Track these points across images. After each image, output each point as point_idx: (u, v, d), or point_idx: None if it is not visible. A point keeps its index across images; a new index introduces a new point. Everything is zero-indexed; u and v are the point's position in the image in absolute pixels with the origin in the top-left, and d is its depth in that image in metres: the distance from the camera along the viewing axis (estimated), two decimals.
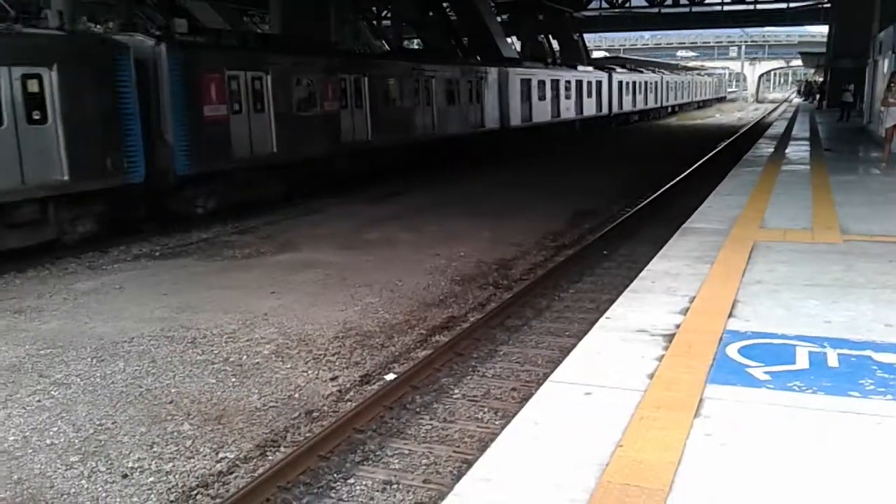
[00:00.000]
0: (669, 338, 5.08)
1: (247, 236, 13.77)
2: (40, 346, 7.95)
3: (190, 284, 10.41)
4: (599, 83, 41.64)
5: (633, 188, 18.33)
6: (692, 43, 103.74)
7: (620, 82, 45.53)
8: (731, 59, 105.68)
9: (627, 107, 47.49)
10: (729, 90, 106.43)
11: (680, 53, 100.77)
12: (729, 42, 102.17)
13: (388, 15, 42.25)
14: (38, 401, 6.64)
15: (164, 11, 32.12)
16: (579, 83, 38.28)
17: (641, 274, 6.87)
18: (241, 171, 15.86)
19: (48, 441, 5.94)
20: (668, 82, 59.13)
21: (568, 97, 36.52)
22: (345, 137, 19.41)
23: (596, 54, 61.01)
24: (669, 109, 60.10)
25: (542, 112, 33.12)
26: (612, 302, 6.22)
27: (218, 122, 15.18)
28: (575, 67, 39.11)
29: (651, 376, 4.45)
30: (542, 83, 33.24)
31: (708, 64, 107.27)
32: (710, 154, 25.82)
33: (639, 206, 15.51)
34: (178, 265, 11.64)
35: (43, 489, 5.31)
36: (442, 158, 24.05)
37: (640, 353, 4.84)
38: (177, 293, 9.91)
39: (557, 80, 35.25)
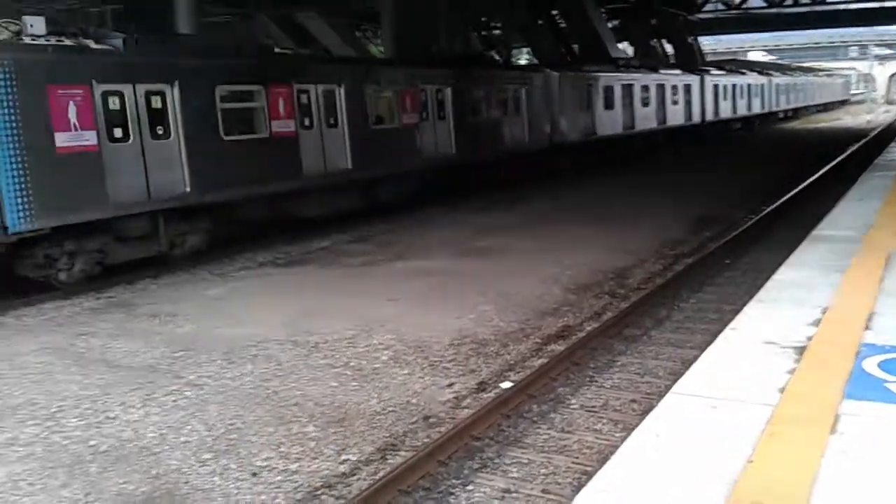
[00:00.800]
0: (801, 350, 4.87)
1: (364, 245, 14.13)
2: (175, 349, 8.41)
3: (311, 291, 10.77)
4: (688, 87, 36.10)
5: (756, 194, 17.65)
6: (815, 44, 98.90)
7: (716, 86, 39.82)
8: (858, 59, 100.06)
9: (726, 113, 41.15)
10: (855, 92, 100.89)
11: (801, 54, 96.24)
12: (855, 42, 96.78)
13: (498, 24, 42.50)
14: (174, 400, 7.02)
15: (281, 28, 33.48)
16: (661, 87, 32.63)
17: (768, 283, 6.62)
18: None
19: (183, 439, 6.27)
20: (777, 85, 53.07)
21: (646, 104, 31.03)
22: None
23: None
24: (781, 115, 54.70)
25: (609, 123, 27.60)
26: (736, 312, 6.02)
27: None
28: (655, 70, 33.87)
29: (782, 390, 4.28)
30: (608, 89, 27.88)
31: (832, 65, 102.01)
32: (838, 159, 24.54)
33: (763, 213, 14.91)
34: (300, 273, 12.07)
35: (179, 484, 5.60)
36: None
37: (770, 365, 4.67)
38: (299, 300, 10.28)
39: (631, 85, 29.78)
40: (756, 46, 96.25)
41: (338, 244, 14.28)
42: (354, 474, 5.69)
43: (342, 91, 15.76)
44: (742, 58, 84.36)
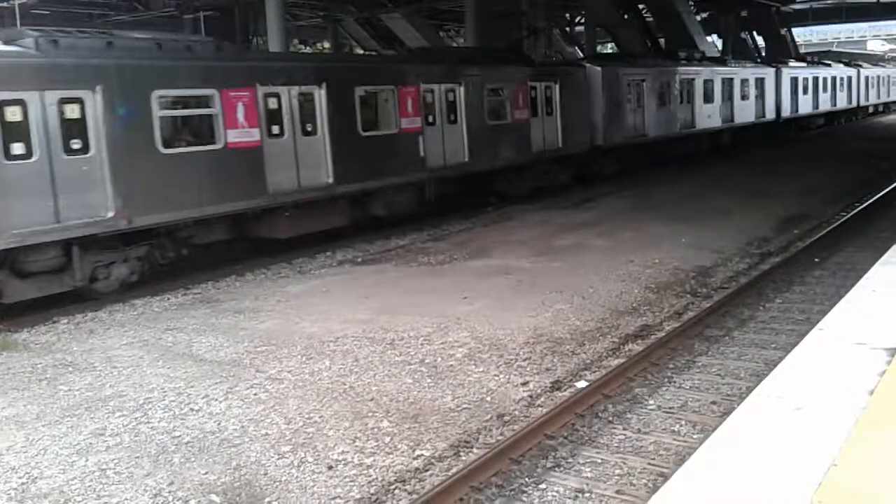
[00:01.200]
0: (893, 352, 4.62)
1: (441, 243, 14.19)
2: (257, 344, 8.62)
3: (388, 289, 10.88)
4: (761, 81, 32.82)
5: (848, 191, 16.89)
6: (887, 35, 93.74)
7: (794, 79, 36.29)
8: None
9: (805, 109, 37.85)
10: None
11: (874, 46, 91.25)
12: None
13: (581, 21, 42.01)
14: (255, 394, 7.19)
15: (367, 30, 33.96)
16: (728, 81, 29.61)
17: (860, 282, 6.31)
18: None
19: (263, 431, 6.41)
20: (867, 77, 48.50)
21: (709, 100, 28.15)
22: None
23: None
24: (871, 109, 50.50)
25: (663, 123, 25.07)
26: (825, 313, 5.76)
27: None
28: (724, 62, 31.22)
29: (871, 392, 4.07)
30: (664, 84, 25.39)
31: None
32: None
33: (855, 210, 14.26)
34: (378, 270, 12.22)
35: (258, 476, 5.73)
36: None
37: (859, 367, 4.45)
38: (377, 297, 10.39)
39: (691, 80, 27.06)
40: (880, 35, 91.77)
41: (416, 242, 14.38)
42: (427, 470, 5.72)
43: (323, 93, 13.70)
44: (860, 48, 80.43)
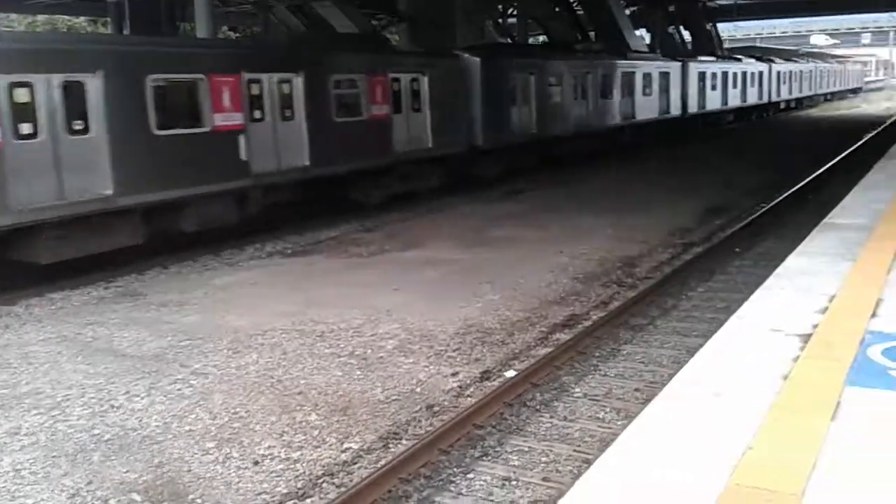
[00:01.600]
0: (806, 338, 4.79)
1: (373, 234, 14.11)
2: (182, 338, 8.42)
3: (319, 281, 10.77)
4: (665, 76, 31.07)
5: (769, 183, 17.46)
6: (834, 30, 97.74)
7: (702, 73, 35.04)
8: (879, 45, 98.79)
9: (714, 105, 36.54)
10: (874, 79, 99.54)
11: (818, 41, 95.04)
12: (877, 28, 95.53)
13: (514, 12, 42.27)
14: (179, 389, 7.03)
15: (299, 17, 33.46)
16: (628, 76, 27.98)
17: (777, 271, 6.51)
18: None
19: (187, 427, 6.28)
20: (779, 73, 47.29)
21: (607, 96, 26.46)
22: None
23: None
24: (783, 105, 49.34)
25: (552, 120, 22.86)
26: (744, 302, 5.93)
27: None
28: (624, 56, 29.34)
29: (785, 377, 4.21)
30: (556, 78, 23.36)
31: (852, 52, 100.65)
32: (855, 146, 24.24)
33: (776, 201, 14.75)
34: (308, 262, 12.07)
35: (181, 473, 5.61)
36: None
37: (774, 353, 4.59)
38: (307, 289, 10.27)
39: (585, 74, 25.01)
40: (827, 30, 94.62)
41: (347, 233, 14.27)
42: (356, 462, 5.69)
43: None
44: (804, 42, 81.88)
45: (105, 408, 6.64)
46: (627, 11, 36.59)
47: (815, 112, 51.09)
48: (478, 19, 29.82)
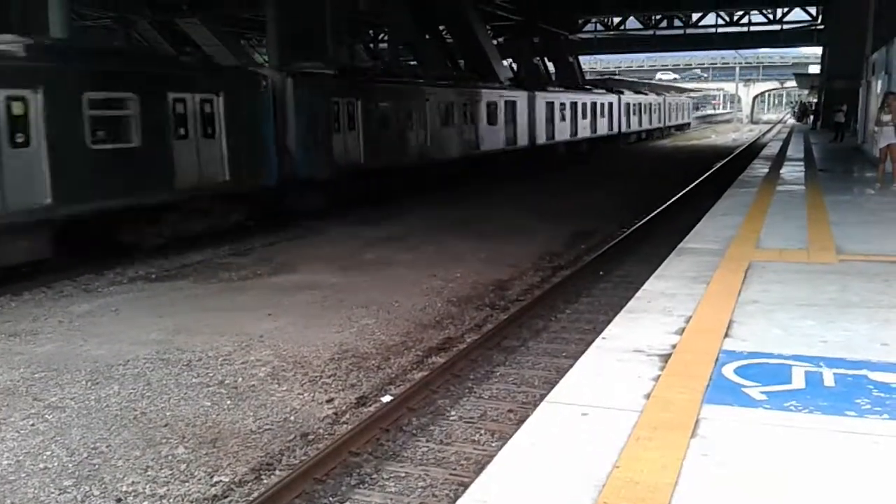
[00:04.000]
0: (665, 358, 5.06)
1: (243, 258, 13.77)
2: (35, 370, 7.90)
3: (186, 307, 10.38)
4: (512, 105, 29.98)
5: (630, 209, 18.37)
6: (686, 65, 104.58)
7: (550, 104, 34.16)
8: (728, 80, 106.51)
9: (563, 135, 35.89)
10: (722, 111, 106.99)
11: (667, 76, 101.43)
12: (724, 64, 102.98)
13: (385, 38, 42.68)
14: (32, 424, 6.59)
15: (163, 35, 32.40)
16: (472, 104, 27.01)
17: (637, 294, 6.86)
18: None
19: (42, 465, 5.90)
20: (629, 104, 47.52)
21: (447, 124, 25.13)
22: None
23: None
24: (633, 138, 49.20)
25: (381, 151, 21.20)
26: (608, 322, 6.21)
27: None
28: (467, 83, 28.46)
29: (647, 396, 4.43)
30: (382, 103, 21.71)
31: (704, 86, 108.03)
32: (706, 175, 25.91)
33: (635, 227, 15.54)
34: (174, 287, 11.62)
35: None
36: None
37: (637, 373, 4.82)
38: (172, 315, 9.88)
39: (412, 101, 23.45)
40: (668, 67, 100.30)
41: (215, 258, 13.84)
42: (227, 496, 5.51)
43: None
44: (650, 78, 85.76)
45: None
46: (495, 42, 37.75)
47: (667, 143, 53.95)
48: (347, 42, 29.83)
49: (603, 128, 42.79)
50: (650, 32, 49.26)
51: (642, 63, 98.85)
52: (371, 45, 43.85)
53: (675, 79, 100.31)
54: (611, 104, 44.39)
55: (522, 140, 31.31)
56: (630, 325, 5.87)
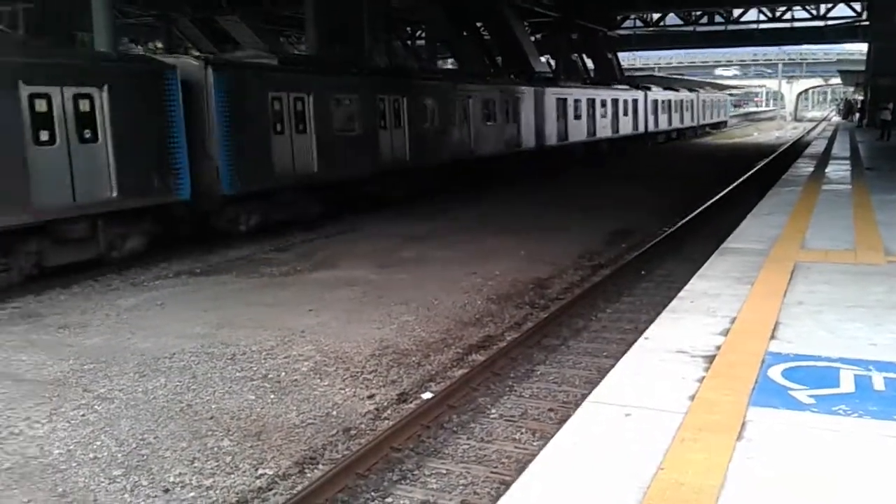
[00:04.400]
0: (710, 359, 5.04)
1: (284, 254, 13.94)
2: (84, 361, 8.10)
3: (229, 301, 10.55)
4: (516, 101, 27.16)
5: (671, 208, 18.19)
6: (728, 62, 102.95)
7: (562, 101, 31.14)
8: (770, 77, 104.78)
9: (578, 136, 32.60)
10: (765, 109, 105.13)
11: (718, 72, 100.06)
12: (766, 60, 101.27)
13: (422, 35, 42.78)
14: (83, 415, 6.76)
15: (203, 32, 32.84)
16: (461, 102, 23.75)
17: (680, 294, 6.83)
18: None
19: (92, 455, 6.04)
20: (657, 101, 44.00)
21: (426, 124, 21.74)
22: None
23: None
24: (661, 138, 45.81)
25: (336, 160, 17.47)
26: (650, 322, 6.19)
27: None
28: (460, 78, 26.17)
29: (692, 398, 4.42)
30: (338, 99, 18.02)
31: (745, 82, 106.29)
32: (748, 174, 25.54)
33: (677, 226, 15.39)
34: (218, 282, 11.81)
35: (86, 502, 5.39)
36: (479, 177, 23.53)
37: (680, 374, 4.81)
38: (216, 310, 10.05)
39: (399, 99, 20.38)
40: (721, 62, 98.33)
41: (257, 253, 14.04)
42: (271, 489, 5.59)
43: None
44: (709, 74, 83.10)
45: (3, 434, 6.32)
46: (533, 38, 37.63)
47: (707, 140, 53.03)
48: (384, 38, 29.89)
49: (627, 127, 39.11)
50: (690, 29, 48.63)
51: (706, 59, 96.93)
52: (409, 43, 43.93)
53: (734, 75, 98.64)
54: (635, 101, 40.62)
55: (529, 142, 28.14)
56: (673, 326, 5.85)
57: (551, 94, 30.25)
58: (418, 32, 43.61)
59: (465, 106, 23.92)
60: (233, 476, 5.75)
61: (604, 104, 35.88)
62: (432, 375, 7.68)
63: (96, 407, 6.93)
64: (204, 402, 7.02)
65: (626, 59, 59.67)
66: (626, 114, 38.90)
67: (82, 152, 12.00)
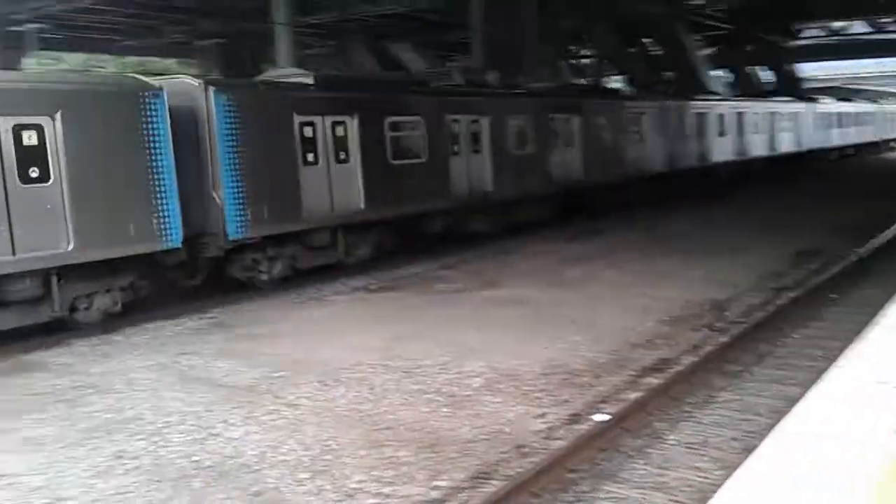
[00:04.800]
0: None
1: (454, 272, 14.25)
2: (273, 369, 8.64)
3: (403, 316, 10.93)
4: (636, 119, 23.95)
5: (861, 227, 16.92)
6: None
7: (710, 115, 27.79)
8: None
9: (723, 156, 28.59)
10: None
11: None
12: None
13: (587, 53, 42.46)
14: (273, 420, 7.20)
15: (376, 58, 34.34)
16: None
17: (877, 320, 6.32)
18: None
19: (281, 458, 6.40)
20: (825, 115, 38.99)
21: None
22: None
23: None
24: (834, 155, 41.66)
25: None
26: (842, 350, 5.78)
27: None
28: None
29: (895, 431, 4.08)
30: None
31: None
32: None
33: (869, 247, 14.29)
34: (392, 298, 12.27)
35: (277, 502, 5.72)
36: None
37: (882, 406, 4.45)
38: (391, 324, 10.43)
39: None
40: None
41: (428, 271, 14.44)
42: (446, 501, 5.69)
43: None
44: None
45: (204, 435, 6.84)
46: (707, 52, 36.37)
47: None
48: (550, 59, 29.96)
49: (786, 143, 34.40)
50: (878, 37, 45.11)
51: (870, 70, 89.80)
52: (574, 61, 43.77)
53: None
54: (794, 115, 35.68)
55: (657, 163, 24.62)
56: (870, 354, 5.43)
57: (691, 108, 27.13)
58: (583, 51, 43.30)
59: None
60: (409, 486, 5.90)
61: (754, 119, 31.50)
62: (604, 397, 7.55)
63: (284, 412, 7.36)
64: (381, 413, 7.27)
65: (813, 70, 55.58)
66: (786, 129, 34.47)
67: (26, 196, 9.85)
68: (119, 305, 11.08)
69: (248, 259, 12.80)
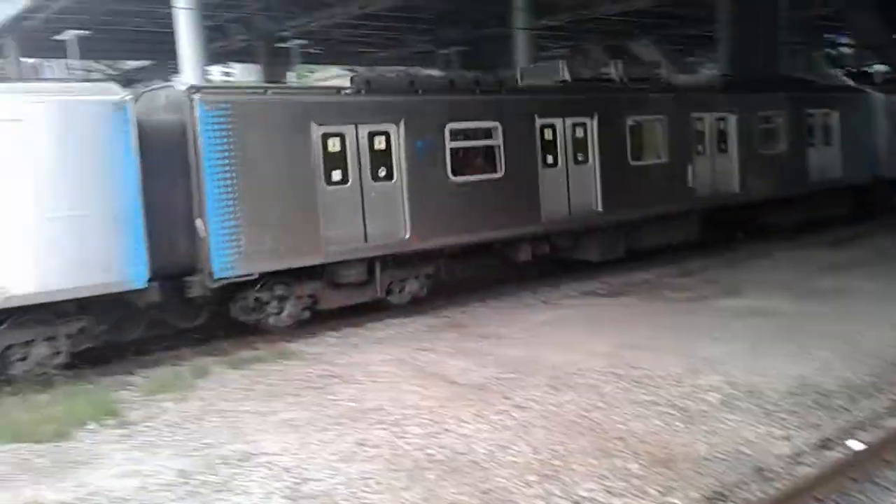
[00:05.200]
0: None
1: (688, 279, 13.71)
2: (503, 370, 8.81)
3: (634, 323, 10.69)
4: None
5: None
6: None
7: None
8: None
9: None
10: None
11: None
12: None
13: (845, 42, 38.86)
14: (502, 420, 7.33)
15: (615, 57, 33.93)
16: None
17: None
18: None
19: (510, 458, 6.49)
20: None
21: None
22: None
23: None
24: None
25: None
26: None
27: None
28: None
29: None
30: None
31: None
32: None
33: None
34: (622, 304, 12.05)
35: (506, 502, 5.81)
36: None
37: None
38: (621, 331, 10.24)
39: None
40: None
41: (661, 277, 14.01)
42: None
43: None
44: None
45: (437, 430, 7.11)
46: None
47: None
48: (804, 50, 27.76)
49: None
50: None
51: None
52: (832, 51, 40.26)
53: None
54: None
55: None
56: None
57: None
58: (840, 39, 39.69)
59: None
60: (641, 500, 5.75)
61: None
62: (860, 423, 6.89)
63: (513, 414, 7.46)
64: (612, 422, 7.15)
65: None
66: None
67: None
68: (63, 356, 9.31)
69: (250, 299, 10.78)
